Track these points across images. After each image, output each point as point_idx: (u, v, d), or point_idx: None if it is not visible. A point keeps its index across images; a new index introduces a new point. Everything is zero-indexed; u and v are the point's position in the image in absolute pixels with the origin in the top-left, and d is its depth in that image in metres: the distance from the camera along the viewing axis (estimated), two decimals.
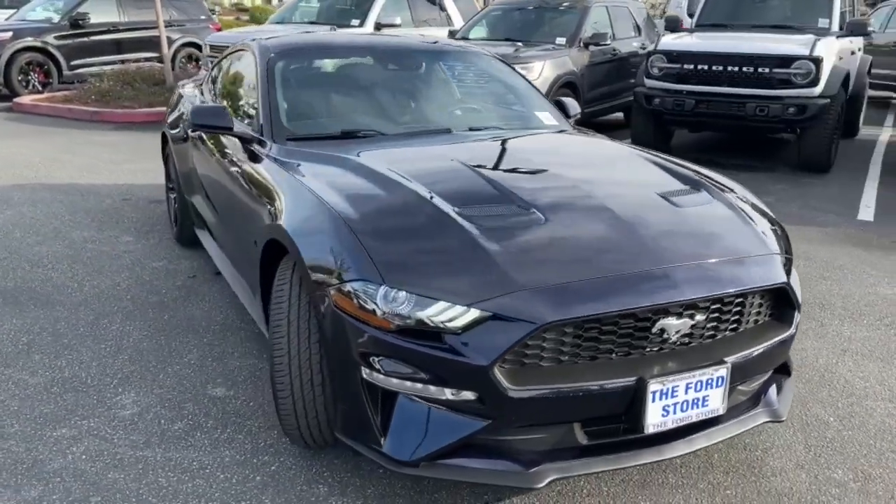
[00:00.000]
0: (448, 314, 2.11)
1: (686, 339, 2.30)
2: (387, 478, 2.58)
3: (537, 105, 4.02)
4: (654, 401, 2.17)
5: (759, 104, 7.50)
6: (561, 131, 3.82)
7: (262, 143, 3.39)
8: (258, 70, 3.66)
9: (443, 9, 11.64)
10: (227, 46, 10.12)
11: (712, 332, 2.36)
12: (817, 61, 7.25)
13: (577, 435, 2.27)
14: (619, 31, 10.11)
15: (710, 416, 2.33)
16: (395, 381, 2.20)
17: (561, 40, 8.90)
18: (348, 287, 2.23)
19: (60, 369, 3.32)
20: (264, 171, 3.17)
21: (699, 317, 2.30)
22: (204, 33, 16.00)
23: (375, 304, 2.16)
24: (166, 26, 11.61)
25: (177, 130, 4.69)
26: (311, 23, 10.93)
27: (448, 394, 2.14)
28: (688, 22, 12.05)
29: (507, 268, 2.17)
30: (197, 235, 4.80)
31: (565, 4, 9.91)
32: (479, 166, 2.96)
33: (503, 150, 3.43)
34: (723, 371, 2.27)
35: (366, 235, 2.30)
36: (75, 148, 8.61)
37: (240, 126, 3.51)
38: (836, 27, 8.24)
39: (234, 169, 3.47)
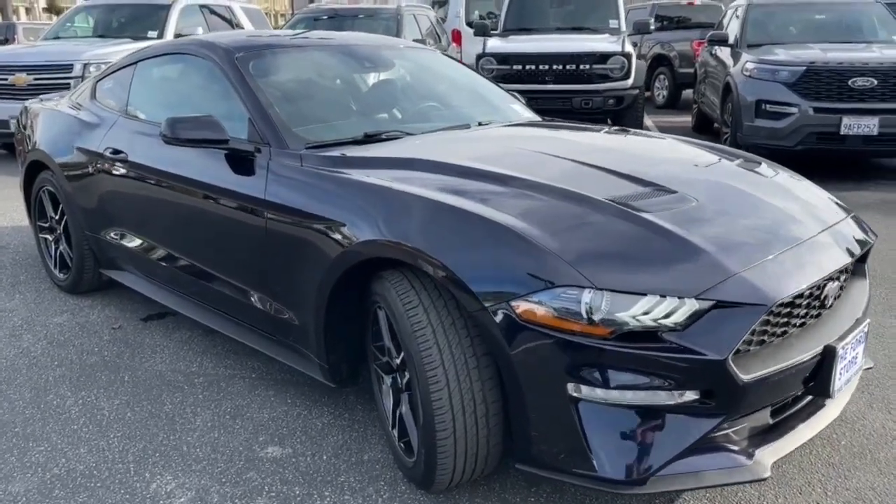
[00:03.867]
0: (663, 309, 1.84)
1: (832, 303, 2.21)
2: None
3: (508, 98, 3.78)
4: (837, 364, 2.06)
5: (583, 98, 7.95)
6: (541, 121, 3.62)
7: (267, 155, 2.78)
8: (227, 74, 3.00)
9: (235, 24, 10.73)
10: (13, 65, 8.48)
11: (839, 293, 2.33)
12: (628, 56, 7.89)
13: (765, 415, 2.09)
14: (426, 37, 10.08)
15: (858, 370, 2.29)
16: (611, 392, 1.87)
17: None
18: (541, 296, 1.83)
19: (43, 467, 2.44)
20: (302, 185, 2.63)
21: (843, 278, 2.25)
22: None
23: (581, 309, 1.80)
24: None
25: (71, 157, 3.70)
26: (100, 37, 9.44)
27: (676, 396, 1.85)
28: (466, 31, 12.45)
29: (710, 252, 1.94)
30: (104, 278, 3.97)
31: (378, 12, 9.67)
32: (563, 155, 2.66)
33: (553, 139, 3.14)
34: (866, 327, 2.26)
35: (541, 238, 1.92)
36: None
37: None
38: (623, 27, 8.98)
39: (229, 189, 2.88)
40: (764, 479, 1.98)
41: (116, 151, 3.40)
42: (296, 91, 3.17)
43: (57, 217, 4.06)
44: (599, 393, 1.86)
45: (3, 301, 4.03)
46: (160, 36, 8.99)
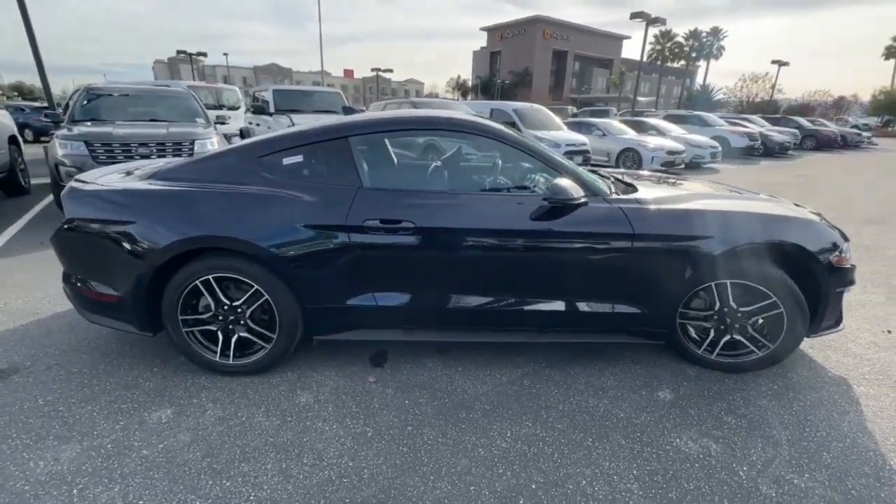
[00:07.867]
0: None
1: None
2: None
3: None
4: None
5: None
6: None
7: (602, 202, 2.87)
8: (519, 148, 2.84)
9: None
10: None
11: None
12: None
13: None
14: None
15: None
16: (849, 287, 2.99)
17: None
18: (835, 252, 3.01)
19: None
20: (657, 220, 2.81)
21: None
22: None
23: (845, 254, 2.83)
24: None
25: (295, 237, 2.62)
26: None
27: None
28: None
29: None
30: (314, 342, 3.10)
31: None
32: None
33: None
34: None
35: (824, 224, 2.82)
36: None
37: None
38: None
39: (569, 231, 2.75)
40: None
41: (391, 221, 2.48)
42: None
43: (238, 304, 2.50)
44: (841, 288, 2.78)
45: (200, 412, 2.58)
46: None
